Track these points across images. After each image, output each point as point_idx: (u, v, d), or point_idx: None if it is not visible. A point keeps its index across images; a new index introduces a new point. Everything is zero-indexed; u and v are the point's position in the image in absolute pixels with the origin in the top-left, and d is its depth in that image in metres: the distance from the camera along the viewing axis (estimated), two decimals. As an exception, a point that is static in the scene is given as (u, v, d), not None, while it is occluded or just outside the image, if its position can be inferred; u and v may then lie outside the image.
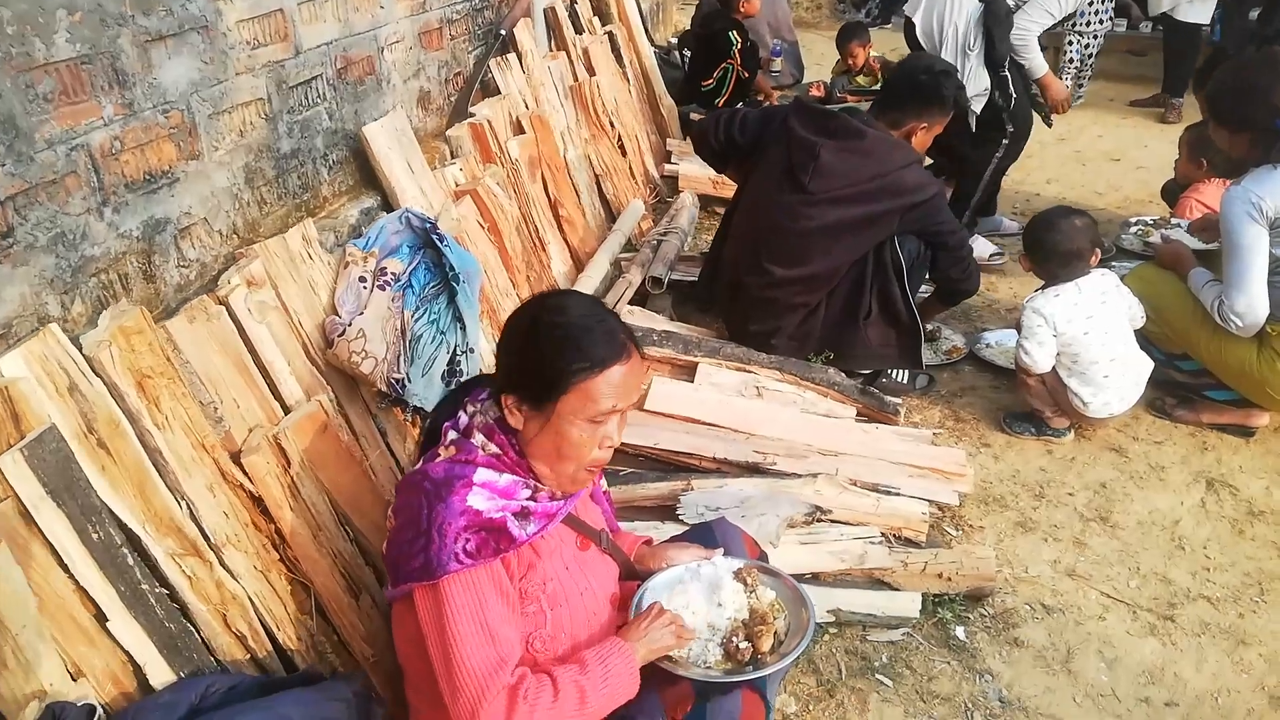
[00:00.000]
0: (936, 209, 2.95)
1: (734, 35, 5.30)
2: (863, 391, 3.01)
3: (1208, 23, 6.08)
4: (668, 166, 4.93)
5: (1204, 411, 3.09)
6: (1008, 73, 4.12)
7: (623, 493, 2.47)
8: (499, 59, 3.72)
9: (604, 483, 1.91)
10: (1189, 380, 3.11)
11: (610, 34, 5.04)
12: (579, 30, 5.16)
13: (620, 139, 4.75)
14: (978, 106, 4.17)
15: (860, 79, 6.07)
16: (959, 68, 3.88)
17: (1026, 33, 4.11)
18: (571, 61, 4.50)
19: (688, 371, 3.05)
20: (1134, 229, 4.37)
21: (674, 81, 5.72)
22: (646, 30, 6.12)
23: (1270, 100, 2.69)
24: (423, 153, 3.02)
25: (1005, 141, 4.25)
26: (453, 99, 3.64)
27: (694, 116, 5.29)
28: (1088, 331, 2.87)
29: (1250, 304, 2.74)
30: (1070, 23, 6.21)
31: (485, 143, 3.33)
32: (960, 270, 3.09)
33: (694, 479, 2.50)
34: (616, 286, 3.46)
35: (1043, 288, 2.96)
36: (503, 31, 3.84)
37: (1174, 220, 4.02)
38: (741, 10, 5.40)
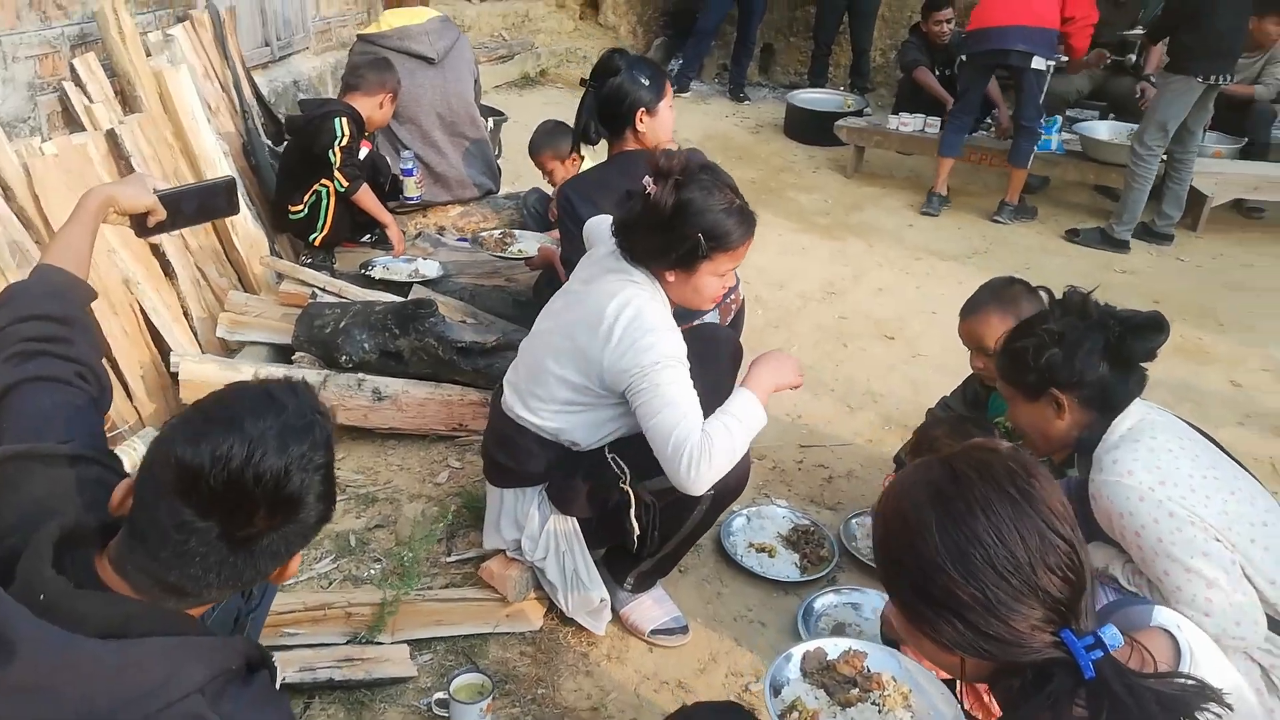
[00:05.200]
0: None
1: (341, 124, 3.43)
2: None
3: None
4: (173, 358, 3.11)
5: None
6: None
7: None
8: None
9: None
10: None
11: (112, 133, 3.21)
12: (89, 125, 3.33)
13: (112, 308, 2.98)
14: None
15: None
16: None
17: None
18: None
19: None
20: (858, 521, 2.70)
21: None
22: (251, 119, 4.14)
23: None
24: None
25: (710, 498, 2.13)
26: None
27: (278, 265, 3.43)
28: None
29: None
30: None
31: None
32: None
33: None
34: None
35: None
36: None
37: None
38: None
